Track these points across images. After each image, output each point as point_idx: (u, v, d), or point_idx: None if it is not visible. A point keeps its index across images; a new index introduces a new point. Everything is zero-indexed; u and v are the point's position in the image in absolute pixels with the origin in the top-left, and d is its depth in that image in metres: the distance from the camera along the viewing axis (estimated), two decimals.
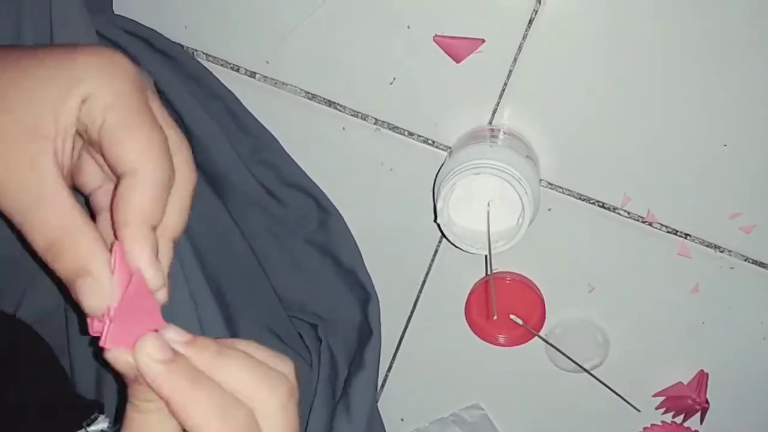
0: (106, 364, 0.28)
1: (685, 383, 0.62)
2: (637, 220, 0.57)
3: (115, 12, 0.54)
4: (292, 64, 0.57)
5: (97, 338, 0.28)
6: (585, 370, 0.60)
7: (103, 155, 0.29)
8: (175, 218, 0.30)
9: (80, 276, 0.27)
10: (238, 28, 0.56)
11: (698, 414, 0.62)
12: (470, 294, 0.60)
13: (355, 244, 0.55)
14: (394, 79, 0.56)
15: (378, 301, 0.53)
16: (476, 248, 0.51)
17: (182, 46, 0.57)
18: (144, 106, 0.29)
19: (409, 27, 0.54)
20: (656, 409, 0.63)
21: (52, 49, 0.30)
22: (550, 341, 0.60)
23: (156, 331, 0.28)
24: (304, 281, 0.55)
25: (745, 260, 0.57)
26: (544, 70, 0.54)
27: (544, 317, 0.60)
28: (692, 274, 0.58)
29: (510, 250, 0.51)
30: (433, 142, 0.57)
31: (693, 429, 0.63)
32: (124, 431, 0.29)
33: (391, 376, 0.66)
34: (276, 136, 0.56)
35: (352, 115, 0.57)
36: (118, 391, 0.42)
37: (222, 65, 0.57)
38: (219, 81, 0.54)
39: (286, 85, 0.57)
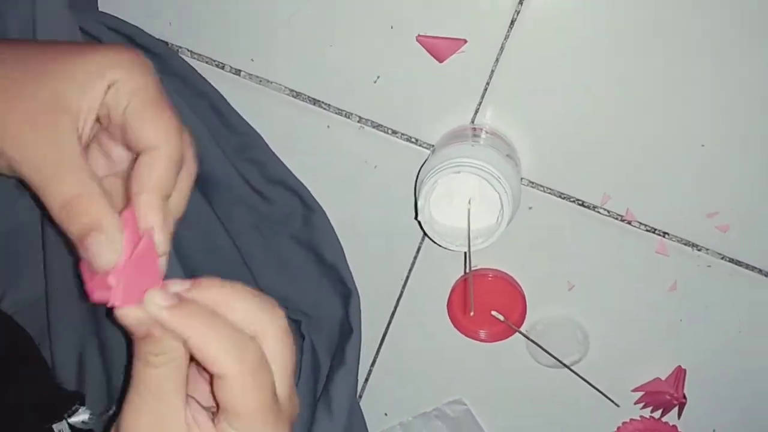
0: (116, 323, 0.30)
1: (663, 379, 0.63)
2: (616, 219, 0.58)
3: (101, 9, 0.54)
4: (277, 62, 0.57)
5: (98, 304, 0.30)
6: (565, 365, 0.61)
7: (124, 135, 0.32)
8: (178, 199, 0.34)
9: (92, 231, 0.29)
10: (222, 25, 0.56)
11: (676, 409, 0.63)
12: (452, 290, 0.61)
13: (338, 241, 0.56)
14: (378, 78, 0.56)
15: (359, 298, 0.54)
16: (456, 245, 0.52)
17: (167, 43, 0.57)
18: (163, 95, 0.33)
19: (392, 27, 0.55)
20: (635, 404, 0.64)
21: (75, 43, 0.33)
22: (531, 337, 0.61)
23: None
24: (287, 278, 0.56)
25: (722, 258, 0.58)
26: (525, 70, 0.54)
27: (525, 314, 0.60)
28: (670, 272, 0.59)
29: (492, 247, 0.52)
30: (416, 140, 0.58)
31: (671, 424, 0.64)
32: (136, 387, 0.30)
33: (374, 372, 0.66)
34: (261, 134, 0.56)
35: (336, 113, 0.58)
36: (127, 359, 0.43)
37: (207, 62, 0.57)
38: (204, 78, 0.55)
39: (271, 82, 0.58)
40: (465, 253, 0.57)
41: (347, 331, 0.52)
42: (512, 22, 0.53)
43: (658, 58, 0.53)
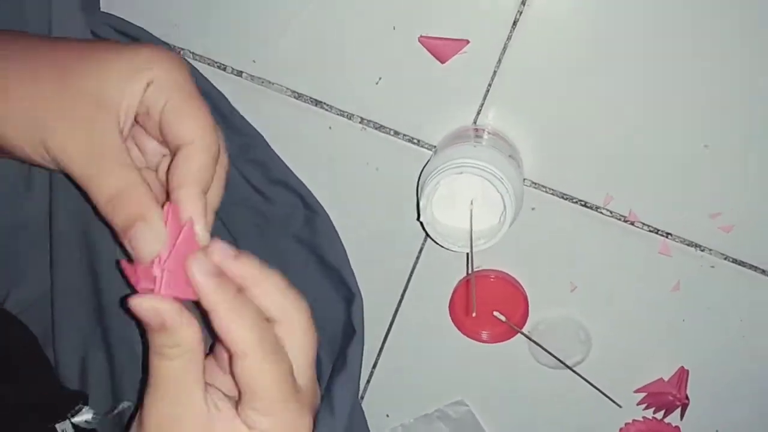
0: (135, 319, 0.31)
1: (666, 379, 0.62)
2: (619, 219, 0.58)
3: (104, 10, 0.54)
4: (278, 64, 0.57)
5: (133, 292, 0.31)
6: (567, 366, 0.61)
7: (162, 131, 0.34)
8: (216, 191, 0.35)
9: (137, 222, 0.31)
10: (224, 27, 0.56)
11: (678, 409, 0.63)
12: (454, 291, 0.61)
13: (341, 242, 0.56)
14: (380, 79, 0.56)
15: (362, 301, 0.54)
16: (459, 246, 0.52)
17: (169, 45, 0.57)
18: (199, 93, 0.34)
19: (394, 28, 0.54)
20: (637, 405, 0.64)
21: (113, 42, 0.35)
22: (533, 338, 0.61)
23: None
24: (289, 279, 0.55)
25: (725, 259, 0.58)
26: (528, 70, 0.54)
27: (527, 314, 0.60)
28: (673, 272, 0.59)
29: (494, 248, 0.52)
30: (419, 141, 0.58)
31: (673, 424, 0.64)
32: (153, 380, 0.31)
33: (376, 373, 0.66)
34: (263, 135, 0.56)
35: (338, 114, 0.58)
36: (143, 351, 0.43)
37: (209, 64, 0.57)
38: (207, 80, 0.55)
39: (273, 84, 0.58)
40: (467, 254, 0.57)
41: (350, 333, 0.52)
42: (515, 23, 0.53)
43: (660, 58, 0.53)
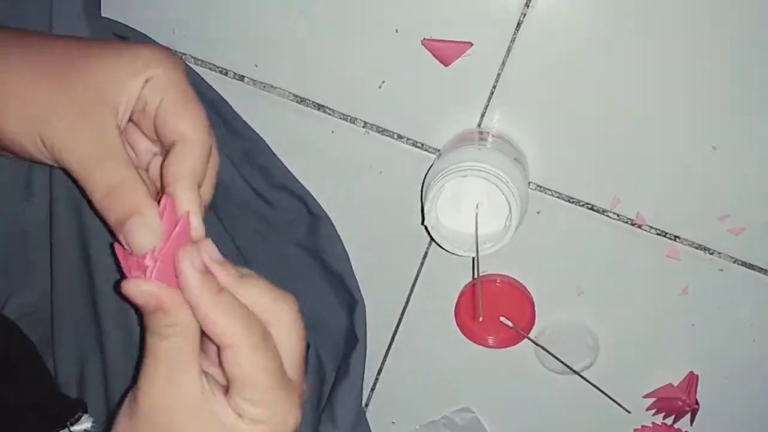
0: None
1: (675, 385, 0.62)
2: (627, 223, 0.57)
3: (105, 15, 0.54)
4: (280, 68, 0.57)
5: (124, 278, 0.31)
6: (575, 372, 0.60)
7: (156, 127, 0.34)
8: (207, 187, 0.36)
9: (133, 216, 0.31)
10: (226, 31, 0.56)
11: (688, 415, 0.62)
12: (460, 296, 0.60)
13: (344, 248, 0.55)
14: (383, 82, 0.56)
15: (364, 307, 0.53)
16: (464, 250, 0.51)
17: (170, 49, 0.57)
18: (194, 91, 0.35)
19: (397, 31, 0.54)
20: (647, 410, 0.63)
21: (113, 41, 0.36)
22: (540, 343, 0.60)
23: None
24: (292, 285, 0.54)
25: (735, 262, 0.57)
26: (533, 72, 0.54)
27: (534, 319, 0.60)
28: (682, 276, 0.58)
29: (500, 252, 0.51)
30: (422, 145, 0.57)
31: (683, 430, 0.63)
32: (149, 359, 0.31)
33: (381, 380, 0.66)
34: (265, 140, 0.56)
35: (341, 118, 0.57)
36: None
37: (210, 69, 0.57)
38: (208, 84, 0.54)
39: (275, 88, 0.57)
40: (473, 258, 0.57)
41: (352, 340, 0.52)
42: (518, 24, 0.53)
43: (666, 58, 0.52)
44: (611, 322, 0.61)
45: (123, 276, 0.32)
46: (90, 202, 0.32)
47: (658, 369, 0.62)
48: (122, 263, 0.32)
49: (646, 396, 0.63)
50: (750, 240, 0.56)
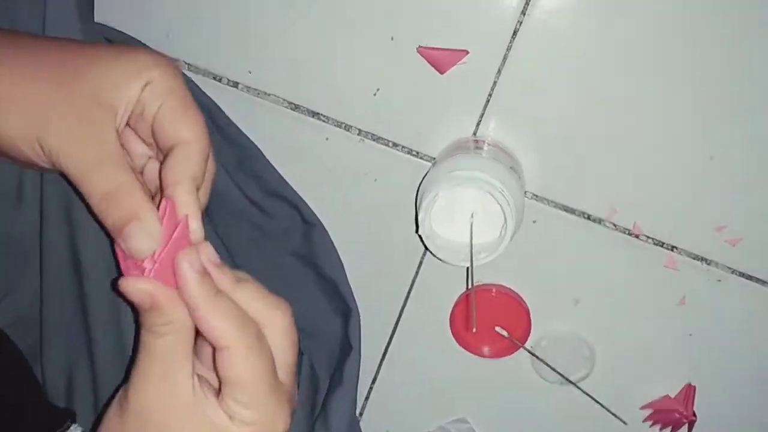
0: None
1: (672, 396, 0.61)
2: (623, 233, 0.57)
3: (98, 20, 0.53)
4: (275, 75, 0.56)
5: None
6: (571, 382, 0.60)
7: (154, 132, 0.35)
8: (204, 191, 0.36)
9: (132, 221, 0.31)
10: (219, 37, 0.56)
11: (685, 427, 0.62)
12: (455, 306, 0.60)
13: (338, 256, 0.55)
14: (378, 90, 0.55)
15: (359, 315, 0.53)
16: (459, 260, 0.51)
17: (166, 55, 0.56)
18: (192, 96, 0.35)
19: (392, 38, 0.54)
20: (643, 422, 0.62)
21: (111, 45, 0.36)
22: (536, 353, 0.60)
23: None
24: (286, 293, 0.54)
25: (732, 272, 0.57)
26: (529, 80, 0.53)
27: (530, 329, 0.59)
28: (679, 286, 0.58)
29: (495, 261, 0.50)
30: (417, 153, 0.57)
31: None
32: (143, 356, 0.32)
33: (376, 389, 0.65)
34: (259, 147, 0.55)
35: (335, 125, 0.57)
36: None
37: (204, 75, 0.57)
38: (202, 91, 0.54)
39: (269, 95, 0.57)
40: (467, 268, 0.56)
41: (346, 348, 0.51)
42: (515, 33, 0.52)
43: (664, 69, 0.52)
44: (608, 333, 0.60)
45: (121, 275, 0.32)
46: (88, 207, 0.32)
47: (655, 380, 0.61)
48: (121, 263, 0.32)
49: (643, 407, 0.62)
50: (747, 250, 0.56)
